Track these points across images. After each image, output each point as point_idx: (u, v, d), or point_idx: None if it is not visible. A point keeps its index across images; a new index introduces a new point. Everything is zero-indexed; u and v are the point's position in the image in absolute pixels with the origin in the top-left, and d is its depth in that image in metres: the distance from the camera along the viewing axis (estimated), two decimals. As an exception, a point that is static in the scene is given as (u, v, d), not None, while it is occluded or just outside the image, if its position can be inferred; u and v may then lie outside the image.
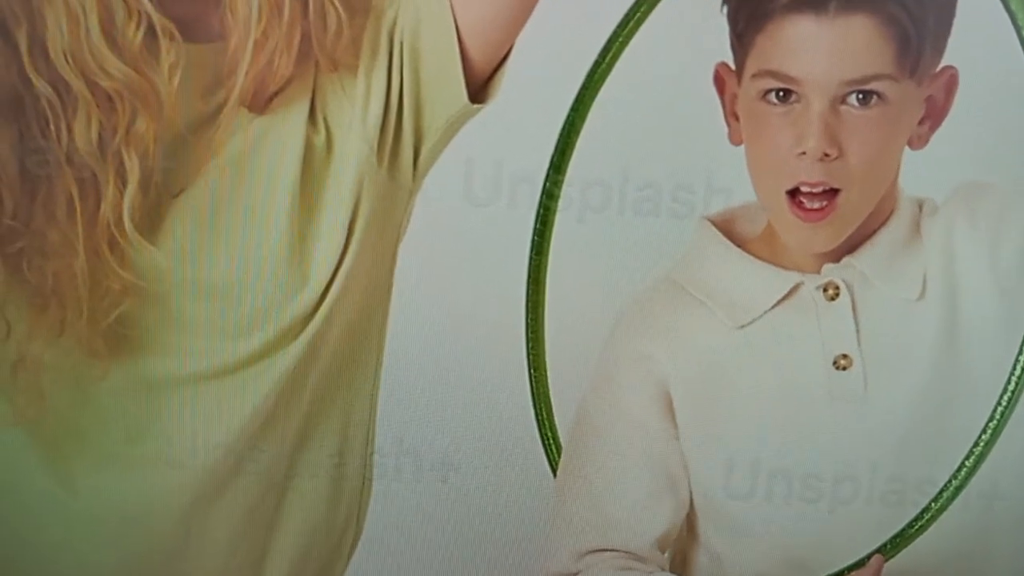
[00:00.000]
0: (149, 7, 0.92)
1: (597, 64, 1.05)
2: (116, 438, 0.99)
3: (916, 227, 1.05)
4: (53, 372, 0.97)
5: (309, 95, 0.97)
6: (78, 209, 0.93)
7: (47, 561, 1.01)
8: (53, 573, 1.01)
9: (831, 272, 1.04)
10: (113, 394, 0.98)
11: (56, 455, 0.99)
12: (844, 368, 1.03)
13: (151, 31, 0.92)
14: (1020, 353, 1.00)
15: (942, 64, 1.02)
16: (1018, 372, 1.00)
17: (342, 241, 0.97)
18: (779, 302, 1.04)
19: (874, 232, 1.04)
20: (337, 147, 0.97)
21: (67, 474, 0.99)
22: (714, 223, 1.08)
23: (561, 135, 1.06)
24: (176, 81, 0.93)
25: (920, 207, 1.06)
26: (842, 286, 1.04)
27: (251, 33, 0.93)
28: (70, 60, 0.91)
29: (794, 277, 1.04)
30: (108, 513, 0.99)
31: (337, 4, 0.94)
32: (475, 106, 0.98)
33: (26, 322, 0.96)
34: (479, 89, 0.98)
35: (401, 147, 0.98)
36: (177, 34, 0.93)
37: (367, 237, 0.97)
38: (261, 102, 0.95)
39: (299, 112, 0.96)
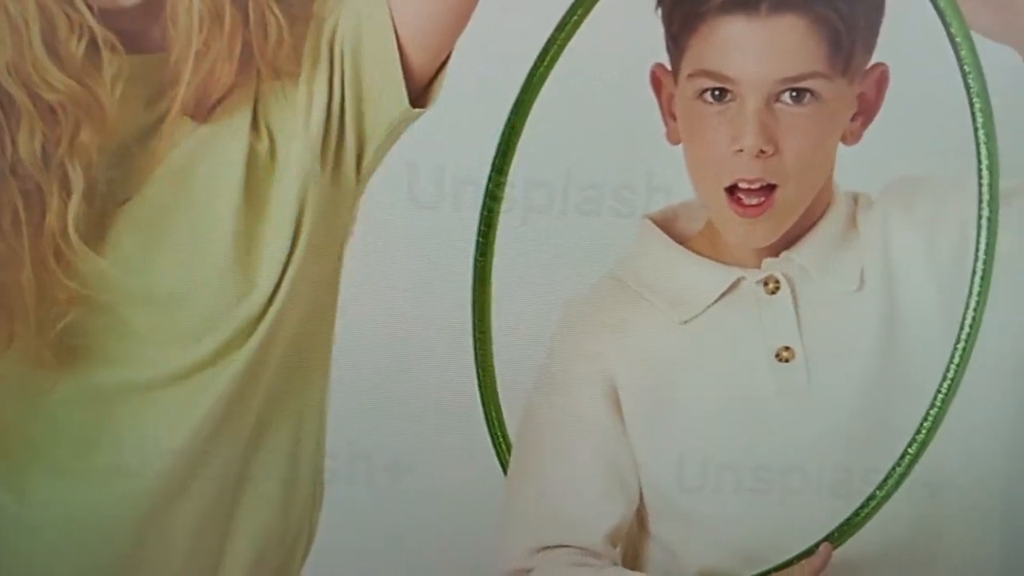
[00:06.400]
0: (91, 19, 0.92)
1: (536, 66, 1.05)
2: (68, 449, 0.98)
3: (852, 220, 1.06)
4: (2, 384, 0.97)
5: (251, 103, 0.97)
6: (23, 220, 0.93)
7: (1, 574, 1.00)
8: (8, 585, 1.01)
9: (771, 266, 1.04)
10: (63, 405, 0.98)
11: (8, 467, 0.99)
12: (787, 360, 1.04)
13: (93, 43, 0.93)
14: (958, 342, 1.00)
15: (873, 61, 1.03)
16: (956, 360, 1.00)
17: (287, 247, 0.97)
18: (721, 297, 1.05)
19: (812, 226, 1.05)
20: (280, 154, 0.97)
21: (19, 486, 0.99)
22: (656, 221, 1.08)
23: (502, 137, 1.06)
24: (119, 92, 0.93)
25: (856, 201, 1.07)
26: (782, 280, 1.04)
27: (192, 43, 0.93)
28: (12, 73, 0.91)
29: (735, 272, 1.05)
30: (62, 524, 0.99)
31: (277, 12, 0.95)
32: (416, 110, 0.98)
33: (-26, 335, 0.95)
34: (420, 93, 0.99)
35: (344, 152, 0.98)
36: (119, 46, 0.94)
37: (312, 242, 0.98)
38: (204, 111, 0.96)
39: (242, 120, 0.97)
